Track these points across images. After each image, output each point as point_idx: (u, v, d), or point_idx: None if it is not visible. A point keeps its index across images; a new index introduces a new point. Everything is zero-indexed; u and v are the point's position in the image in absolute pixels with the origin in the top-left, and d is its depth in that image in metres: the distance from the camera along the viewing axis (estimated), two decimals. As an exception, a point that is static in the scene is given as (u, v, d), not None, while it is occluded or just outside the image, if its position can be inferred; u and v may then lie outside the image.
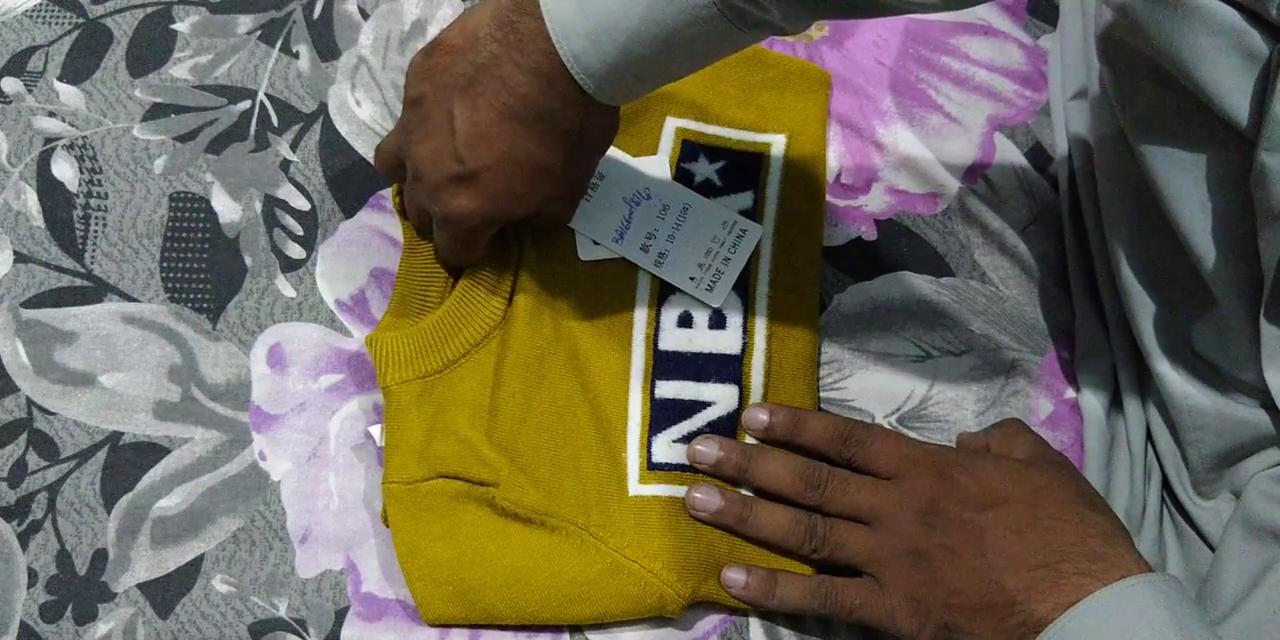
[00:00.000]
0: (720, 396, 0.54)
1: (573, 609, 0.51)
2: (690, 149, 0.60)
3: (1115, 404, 0.58)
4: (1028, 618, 0.44)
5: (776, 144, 0.60)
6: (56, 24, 0.65)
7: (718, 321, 0.56)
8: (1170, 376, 0.53)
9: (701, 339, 0.56)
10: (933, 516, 0.48)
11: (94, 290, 0.60)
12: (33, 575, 0.55)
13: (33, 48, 0.64)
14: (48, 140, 0.62)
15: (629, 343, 0.55)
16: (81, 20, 0.65)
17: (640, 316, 0.56)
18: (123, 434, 0.57)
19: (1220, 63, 0.46)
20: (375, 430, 0.56)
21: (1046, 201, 0.63)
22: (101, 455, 0.57)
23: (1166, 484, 0.56)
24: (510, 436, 0.53)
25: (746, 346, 0.56)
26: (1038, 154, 0.64)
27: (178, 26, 0.65)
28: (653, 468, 0.53)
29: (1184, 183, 0.50)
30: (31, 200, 0.61)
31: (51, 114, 0.63)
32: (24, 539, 0.55)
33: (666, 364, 0.55)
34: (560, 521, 0.52)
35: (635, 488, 0.52)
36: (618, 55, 0.44)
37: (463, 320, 0.55)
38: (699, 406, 0.54)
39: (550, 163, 0.48)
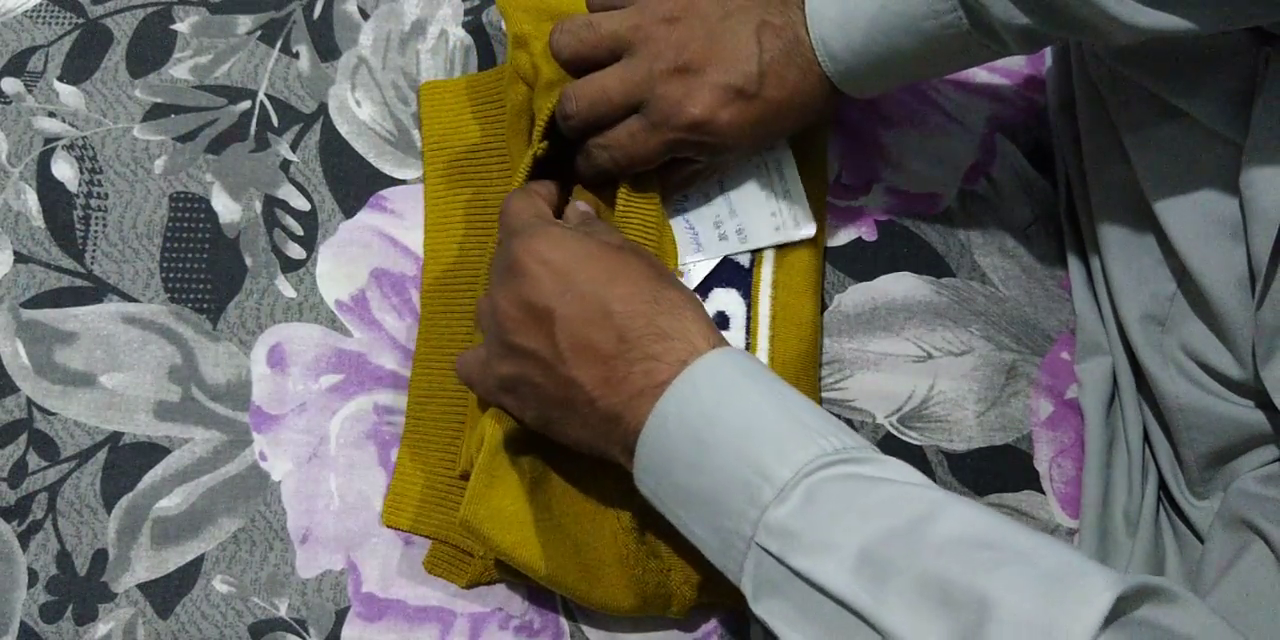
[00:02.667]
0: None
1: (584, 586, 0.50)
2: None
3: (1115, 404, 0.58)
4: (606, 412, 0.44)
5: (778, 144, 0.60)
6: (56, 24, 0.65)
7: (720, 323, 0.56)
8: (1162, 376, 0.53)
9: None
10: (516, 310, 0.46)
11: (94, 290, 0.60)
12: (33, 575, 0.55)
13: (33, 48, 0.64)
14: (48, 140, 0.62)
15: None
16: (81, 20, 0.65)
17: None
18: (123, 434, 0.57)
19: (1209, 67, 0.46)
20: None
21: (1047, 202, 0.63)
22: (102, 455, 0.57)
23: (1163, 484, 0.56)
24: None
25: (749, 347, 0.56)
26: (1038, 154, 0.64)
27: (178, 27, 0.65)
28: None
29: (1174, 183, 0.51)
30: (32, 200, 0.61)
31: (51, 114, 0.63)
32: (24, 539, 0.56)
33: None
34: (607, 498, 0.52)
35: None
36: (862, 43, 0.48)
37: None
38: None
39: (805, 119, 0.53)
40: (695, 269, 0.57)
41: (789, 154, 0.58)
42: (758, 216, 0.57)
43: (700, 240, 0.57)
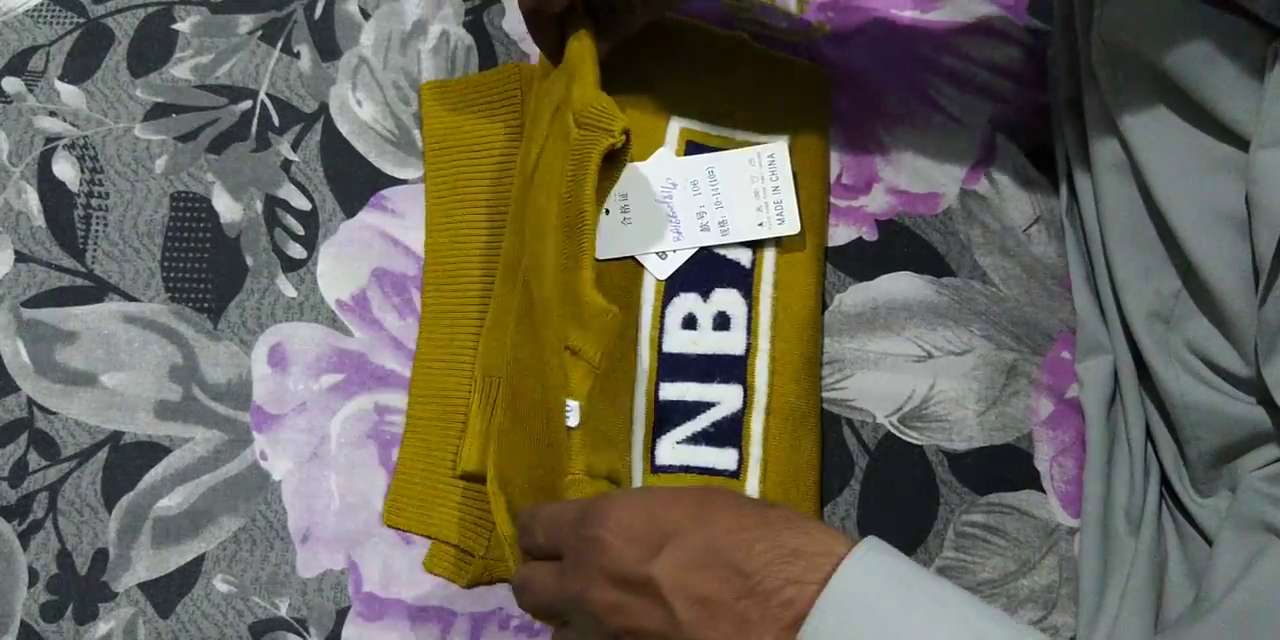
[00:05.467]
0: (724, 397, 0.54)
1: None
2: (695, 151, 0.60)
3: (1115, 403, 0.58)
4: None
5: (779, 146, 0.60)
6: (58, 24, 0.65)
7: (721, 323, 0.56)
8: (1167, 373, 0.53)
9: (706, 340, 0.56)
10: (609, 592, 0.39)
11: (95, 290, 0.60)
12: (34, 574, 0.55)
13: (34, 47, 0.64)
14: (49, 140, 0.62)
15: (634, 346, 0.55)
16: (83, 20, 0.65)
17: (645, 319, 0.56)
18: (124, 434, 0.57)
19: (1217, 62, 0.46)
20: None
21: (1047, 201, 0.63)
22: (102, 455, 0.57)
23: (1166, 482, 0.56)
24: (503, 457, 0.52)
25: (750, 347, 0.56)
26: (1039, 154, 0.64)
27: (179, 26, 0.65)
28: (656, 471, 0.53)
29: (1179, 180, 0.50)
30: (33, 200, 0.61)
31: (53, 114, 0.63)
32: (25, 538, 0.55)
33: (671, 366, 0.55)
34: None
35: None
36: None
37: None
38: (703, 407, 0.54)
39: None
40: (672, 257, 0.57)
41: (784, 150, 0.58)
42: (743, 211, 0.57)
43: (680, 229, 0.57)
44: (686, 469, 0.53)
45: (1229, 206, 0.49)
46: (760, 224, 0.57)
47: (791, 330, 0.56)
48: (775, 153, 0.58)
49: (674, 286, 0.57)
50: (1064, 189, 0.62)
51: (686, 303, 0.56)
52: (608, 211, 0.57)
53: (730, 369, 0.55)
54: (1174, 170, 0.50)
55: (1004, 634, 0.35)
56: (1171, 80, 0.49)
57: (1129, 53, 0.51)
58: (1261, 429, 0.51)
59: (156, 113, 0.63)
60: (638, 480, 0.53)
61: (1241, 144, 0.47)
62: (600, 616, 0.39)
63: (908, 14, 0.67)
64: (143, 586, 0.55)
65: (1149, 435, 0.56)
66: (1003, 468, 0.58)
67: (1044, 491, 0.57)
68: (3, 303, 0.59)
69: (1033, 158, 0.64)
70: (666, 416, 0.54)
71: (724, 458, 0.53)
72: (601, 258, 0.56)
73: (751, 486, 0.53)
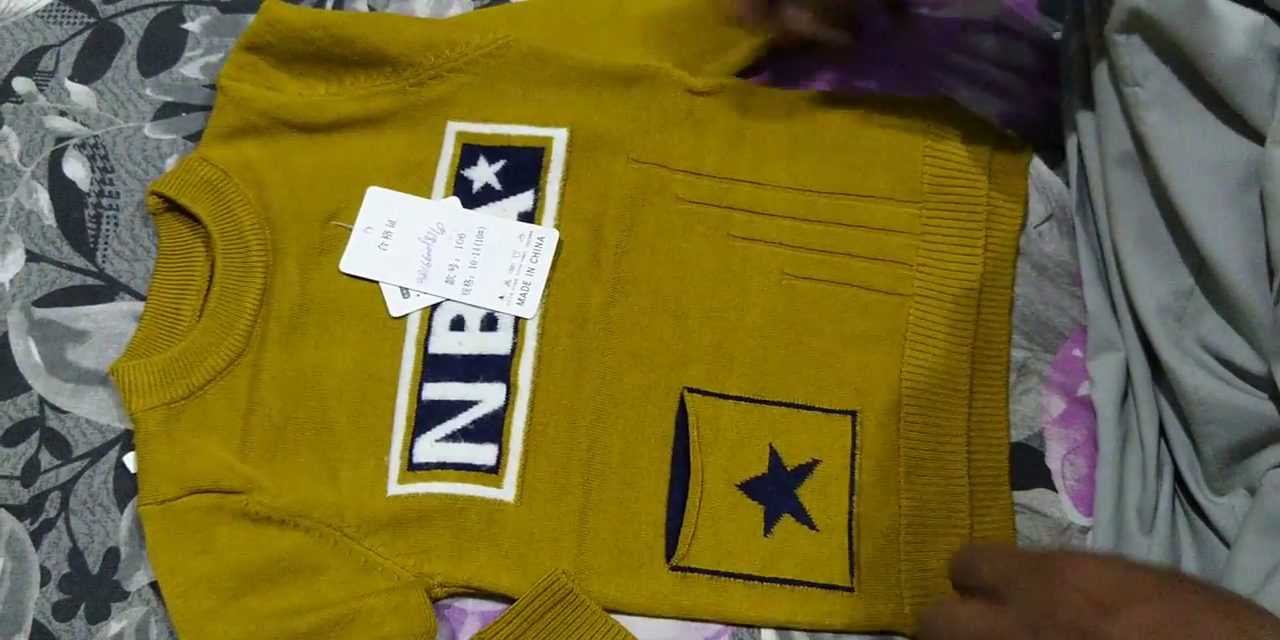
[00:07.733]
0: (486, 395, 0.56)
1: (331, 610, 0.52)
2: (470, 152, 0.59)
3: (1128, 400, 0.58)
4: None
5: (558, 138, 0.59)
6: (68, 24, 0.65)
7: (489, 324, 0.57)
8: (1181, 369, 0.53)
9: (472, 341, 0.57)
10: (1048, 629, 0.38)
11: (105, 289, 0.60)
12: (46, 574, 0.55)
13: (44, 47, 0.65)
14: (59, 139, 0.63)
15: (400, 348, 0.57)
16: (93, 20, 0.65)
17: (413, 321, 0.57)
18: (134, 433, 0.57)
19: (1240, 60, 0.46)
20: (129, 458, 0.56)
21: (1059, 199, 0.63)
22: (114, 454, 0.57)
23: (1180, 480, 0.56)
24: (265, 455, 0.55)
25: (516, 346, 0.56)
26: (1050, 152, 0.64)
27: (188, 26, 0.65)
28: (413, 468, 0.55)
29: (1194, 176, 0.50)
30: (43, 199, 0.61)
31: (63, 113, 0.63)
32: (37, 537, 0.56)
33: (436, 367, 0.56)
34: (314, 523, 0.53)
35: (394, 488, 0.54)
36: None
37: (205, 351, 0.56)
38: (465, 406, 0.56)
39: None
40: (413, 299, 0.57)
41: (554, 237, 0.58)
42: (490, 282, 0.57)
43: (427, 274, 0.57)
44: (443, 465, 0.55)
45: (1245, 203, 0.48)
46: (500, 297, 0.57)
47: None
48: (547, 237, 0.58)
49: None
50: (1075, 186, 0.62)
51: (457, 305, 0.57)
52: (368, 229, 0.58)
53: (494, 368, 0.56)
54: (1190, 166, 0.50)
55: None
56: (1190, 75, 0.48)
57: (1148, 47, 0.51)
58: (1276, 426, 0.50)
59: (166, 112, 0.63)
60: (393, 479, 0.54)
61: (1260, 139, 0.47)
62: None
63: (918, 11, 0.66)
64: (154, 586, 0.55)
65: (1162, 433, 0.56)
66: (1013, 466, 0.57)
67: (1055, 490, 0.57)
68: (14, 302, 0.59)
69: (1044, 155, 0.63)
70: (429, 415, 0.56)
71: (482, 453, 0.55)
72: (346, 271, 0.57)
73: (509, 480, 0.54)
